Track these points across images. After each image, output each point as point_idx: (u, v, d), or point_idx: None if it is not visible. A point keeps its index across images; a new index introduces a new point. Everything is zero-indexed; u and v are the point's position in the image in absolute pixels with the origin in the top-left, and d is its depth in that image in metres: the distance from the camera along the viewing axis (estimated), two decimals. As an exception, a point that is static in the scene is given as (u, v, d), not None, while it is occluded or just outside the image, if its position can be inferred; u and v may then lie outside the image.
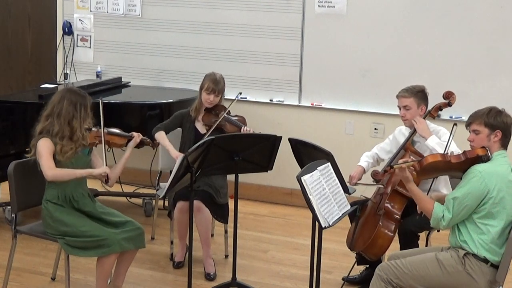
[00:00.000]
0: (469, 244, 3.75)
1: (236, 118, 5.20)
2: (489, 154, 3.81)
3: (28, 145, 5.68)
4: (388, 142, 4.88)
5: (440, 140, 4.49)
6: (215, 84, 5.10)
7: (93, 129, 4.33)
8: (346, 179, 4.15)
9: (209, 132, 5.00)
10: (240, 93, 5.44)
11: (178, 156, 4.87)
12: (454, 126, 4.20)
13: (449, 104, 4.72)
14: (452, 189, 4.54)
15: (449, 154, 3.96)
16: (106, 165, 4.31)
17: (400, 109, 4.66)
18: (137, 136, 4.51)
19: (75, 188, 4.25)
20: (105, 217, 4.26)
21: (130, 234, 4.20)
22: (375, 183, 4.49)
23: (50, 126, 4.18)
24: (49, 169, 4.11)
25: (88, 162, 4.34)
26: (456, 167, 3.86)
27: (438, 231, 4.55)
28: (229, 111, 5.14)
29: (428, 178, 4.20)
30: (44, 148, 4.14)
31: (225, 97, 6.14)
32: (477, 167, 3.75)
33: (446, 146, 4.19)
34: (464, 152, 3.85)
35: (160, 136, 5.11)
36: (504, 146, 3.85)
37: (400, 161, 4.03)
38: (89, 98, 4.30)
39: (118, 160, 4.49)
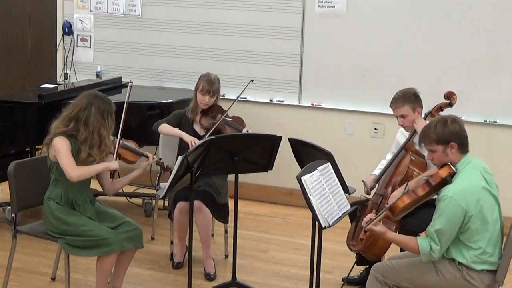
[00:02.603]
0: (460, 260, 3.70)
1: (232, 119, 5.16)
2: (454, 169, 3.68)
3: (28, 145, 5.72)
4: (392, 148, 4.87)
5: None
6: (210, 84, 5.06)
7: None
8: (346, 179, 4.14)
9: (207, 135, 4.96)
10: (252, 81, 5.45)
11: (193, 140, 4.88)
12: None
13: (450, 105, 4.71)
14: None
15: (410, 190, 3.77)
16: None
17: (397, 118, 4.64)
18: (151, 159, 4.41)
19: (79, 192, 4.24)
20: (104, 223, 4.24)
21: (129, 234, 4.20)
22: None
23: (74, 131, 4.11)
24: (73, 170, 4.06)
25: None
26: (427, 196, 3.75)
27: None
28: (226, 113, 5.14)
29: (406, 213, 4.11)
30: (63, 147, 4.07)
31: (226, 97, 6.16)
32: (447, 192, 3.60)
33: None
34: (427, 181, 3.70)
35: (165, 127, 5.06)
36: (465, 151, 3.72)
37: (367, 218, 3.88)
38: (114, 105, 4.24)
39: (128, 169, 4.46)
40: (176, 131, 5.06)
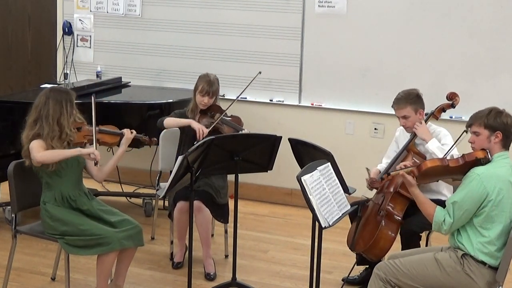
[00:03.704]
0: (467, 246, 3.74)
1: (231, 119, 5.18)
2: (489, 157, 3.77)
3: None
4: (391, 149, 4.86)
5: (440, 143, 4.48)
6: (209, 85, 5.08)
7: (84, 127, 4.31)
8: (346, 179, 4.14)
9: (206, 135, 4.98)
10: (260, 73, 5.45)
11: (201, 128, 4.92)
12: (464, 133, 4.07)
13: (452, 106, 4.70)
14: (454, 191, 4.55)
15: (448, 158, 3.93)
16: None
17: (398, 118, 4.64)
18: (128, 133, 4.43)
19: (72, 189, 4.26)
20: (103, 215, 4.26)
21: (129, 233, 4.20)
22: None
23: (40, 130, 4.15)
24: (36, 152, 4.08)
25: (82, 162, 4.33)
26: (455, 171, 3.84)
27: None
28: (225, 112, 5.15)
29: (428, 182, 4.19)
30: (34, 144, 4.11)
31: (226, 97, 6.16)
32: (476, 170, 3.73)
33: (449, 150, 4.15)
34: (463, 155, 3.82)
35: (171, 120, 5.08)
36: (506, 147, 3.81)
37: (398, 167, 4.02)
38: (73, 93, 4.30)
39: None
40: (184, 120, 5.07)
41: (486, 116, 3.79)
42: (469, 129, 3.86)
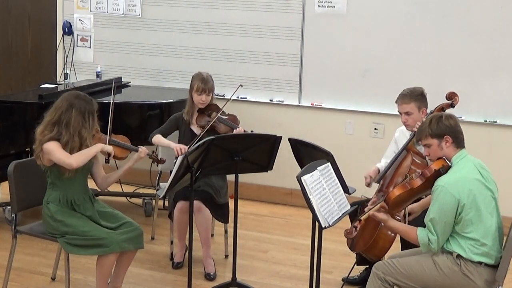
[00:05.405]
0: (459, 251, 3.72)
1: (228, 117, 5.19)
2: (448, 163, 3.77)
3: (28, 145, 5.72)
4: (390, 149, 4.86)
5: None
6: (204, 83, 5.09)
7: (97, 134, 4.30)
8: (346, 179, 4.14)
9: (202, 133, 4.99)
10: (241, 86, 5.39)
11: (179, 147, 4.92)
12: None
13: (452, 105, 4.70)
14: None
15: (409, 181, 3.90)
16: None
17: (401, 114, 4.64)
18: (142, 151, 4.42)
19: (78, 192, 4.24)
20: (104, 223, 4.25)
21: (129, 235, 4.19)
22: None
23: (58, 136, 4.12)
24: (69, 158, 4.05)
25: (90, 166, 4.32)
26: (422, 190, 3.83)
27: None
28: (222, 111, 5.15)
29: (404, 208, 4.16)
30: (53, 146, 4.08)
31: (226, 97, 6.15)
32: (439, 182, 3.70)
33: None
34: (422, 173, 3.81)
35: (157, 138, 5.12)
36: (460, 146, 3.81)
37: (366, 209, 4.03)
38: (96, 104, 4.25)
39: (119, 166, 4.47)
40: (165, 142, 5.11)
41: (428, 126, 3.79)
42: (420, 144, 3.88)
